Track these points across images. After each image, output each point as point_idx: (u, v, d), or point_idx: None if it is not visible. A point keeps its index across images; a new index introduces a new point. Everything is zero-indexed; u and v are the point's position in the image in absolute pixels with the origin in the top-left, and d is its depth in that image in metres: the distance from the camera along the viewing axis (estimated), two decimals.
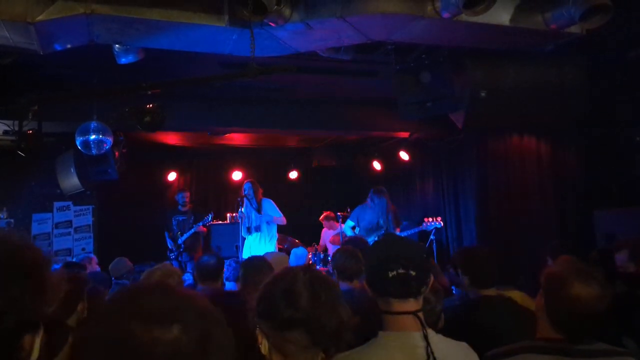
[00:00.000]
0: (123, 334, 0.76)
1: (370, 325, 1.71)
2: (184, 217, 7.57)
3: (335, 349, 1.40)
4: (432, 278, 1.71)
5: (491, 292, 2.67)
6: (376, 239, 6.40)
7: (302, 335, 1.34)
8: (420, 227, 6.55)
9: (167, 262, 6.60)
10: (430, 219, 6.58)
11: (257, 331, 1.42)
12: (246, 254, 6.50)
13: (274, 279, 1.48)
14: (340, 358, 1.56)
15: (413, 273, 1.62)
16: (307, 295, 1.37)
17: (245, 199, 6.78)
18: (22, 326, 0.97)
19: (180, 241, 7.41)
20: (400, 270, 1.61)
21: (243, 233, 6.80)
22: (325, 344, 1.36)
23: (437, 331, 2.14)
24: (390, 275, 1.61)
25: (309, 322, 1.34)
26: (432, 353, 1.54)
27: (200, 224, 7.26)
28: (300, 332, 1.35)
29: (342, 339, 1.38)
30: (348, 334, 1.39)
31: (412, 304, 1.64)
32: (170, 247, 7.51)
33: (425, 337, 1.58)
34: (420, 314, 1.64)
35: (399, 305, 1.63)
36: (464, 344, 1.71)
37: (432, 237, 7.14)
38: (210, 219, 7.25)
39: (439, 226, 6.59)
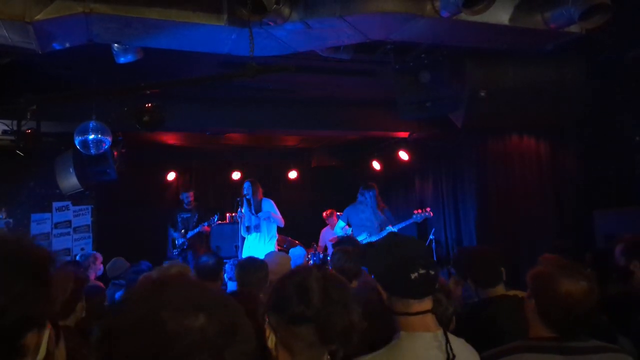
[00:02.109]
0: (154, 323, 0.80)
1: (369, 325, 1.70)
2: (188, 215, 7.67)
3: (342, 350, 1.39)
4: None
5: (499, 291, 2.64)
6: (367, 236, 6.36)
7: (310, 331, 1.34)
8: (411, 219, 6.49)
9: (175, 260, 6.68)
10: (420, 210, 6.52)
11: (266, 325, 1.42)
12: (246, 253, 6.48)
13: (288, 274, 1.47)
14: None
15: (432, 272, 1.63)
16: (320, 293, 1.36)
17: (244, 198, 6.77)
18: (25, 324, 0.97)
19: (182, 239, 7.43)
20: (422, 271, 1.61)
21: (242, 233, 6.78)
22: (333, 343, 1.36)
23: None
24: (413, 276, 1.60)
25: (319, 320, 1.33)
26: (452, 350, 1.56)
27: (206, 224, 7.29)
28: (309, 328, 1.34)
29: (350, 340, 1.37)
30: (356, 336, 1.38)
31: (427, 303, 1.65)
32: (177, 243, 7.56)
33: (445, 335, 1.59)
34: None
35: (418, 305, 1.63)
36: (462, 340, 1.72)
37: (431, 236, 7.13)
38: (216, 219, 7.30)
39: (429, 216, 6.53)
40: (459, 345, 1.65)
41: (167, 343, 0.78)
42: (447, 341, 1.57)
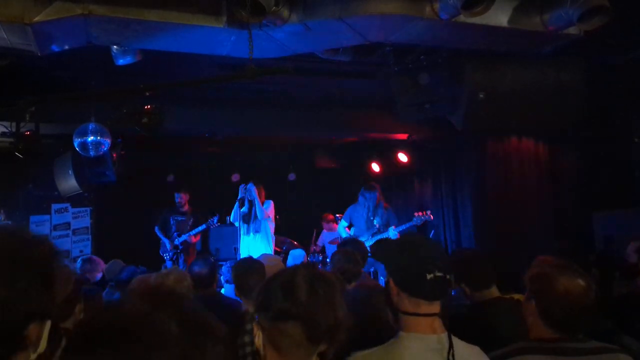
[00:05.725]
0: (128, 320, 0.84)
1: (363, 325, 1.70)
2: (182, 218, 7.35)
3: (332, 348, 1.40)
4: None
5: (494, 292, 2.62)
6: (370, 237, 6.35)
7: (296, 328, 1.33)
8: (412, 222, 6.48)
9: (173, 265, 6.48)
10: (421, 213, 6.51)
11: (254, 324, 1.41)
12: (245, 254, 6.47)
13: (276, 273, 1.48)
14: (359, 356, 1.58)
15: (448, 277, 1.63)
16: (306, 289, 1.36)
17: (245, 199, 6.74)
18: (28, 317, 0.98)
19: (177, 242, 7.22)
20: (438, 274, 1.61)
21: (243, 233, 6.73)
22: (319, 340, 1.36)
23: None
24: (429, 277, 1.60)
25: (305, 316, 1.33)
26: (454, 356, 1.54)
27: (204, 225, 7.07)
28: (295, 325, 1.33)
29: (336, 337, 1.37)
30: (343, 333, 1.38)
31: (436, 306, 1.64)
32: (167, 246, 7.31)
33: (450, 340, 1.58)
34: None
35: (427, 307, 1.63)
36: (476, 348, 1.70)
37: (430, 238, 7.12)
38: (215, 221, 7.04)
39: (429, 219, 6.52)
40: (463, 349, 1.63)
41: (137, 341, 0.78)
42: (451, 345, 1.55)
